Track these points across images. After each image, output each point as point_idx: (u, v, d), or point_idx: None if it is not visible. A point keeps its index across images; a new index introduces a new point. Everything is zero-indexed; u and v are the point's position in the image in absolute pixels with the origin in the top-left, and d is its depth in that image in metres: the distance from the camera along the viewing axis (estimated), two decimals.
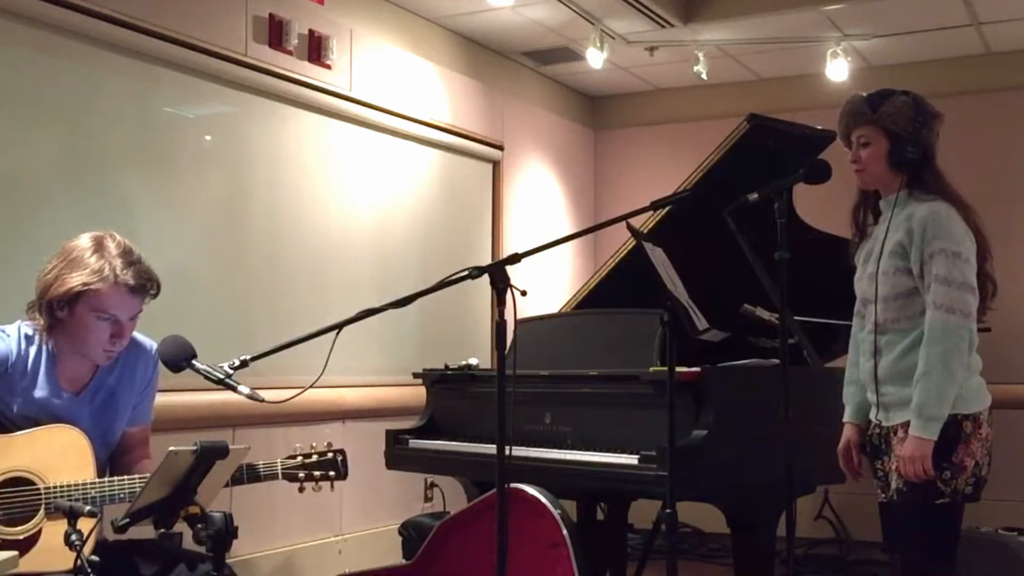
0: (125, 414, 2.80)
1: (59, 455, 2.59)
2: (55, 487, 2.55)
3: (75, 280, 2.60)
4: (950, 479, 2.77)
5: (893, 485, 2.85)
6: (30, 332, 2.70)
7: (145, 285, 2.68)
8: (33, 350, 2.68)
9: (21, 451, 2.57)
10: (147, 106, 4.17)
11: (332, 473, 2.87)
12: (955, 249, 2.79)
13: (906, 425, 2.82)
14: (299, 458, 2.86)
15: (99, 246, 2.65)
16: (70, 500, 2.50)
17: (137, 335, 2.82)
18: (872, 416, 2.98)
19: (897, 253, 2.86)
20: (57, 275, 2.62)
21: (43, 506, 2.53)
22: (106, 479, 2.63)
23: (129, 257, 2.66)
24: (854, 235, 3.06)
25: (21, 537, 2.52)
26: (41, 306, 2.65)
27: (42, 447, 2.58)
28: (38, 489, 2.55)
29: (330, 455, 2.88)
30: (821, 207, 3.78)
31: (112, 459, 2.81)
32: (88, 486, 2.58)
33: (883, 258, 2.90)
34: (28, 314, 2.70)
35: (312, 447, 2.89)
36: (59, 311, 2.63)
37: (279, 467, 2.82)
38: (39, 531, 2.53)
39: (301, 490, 2.85)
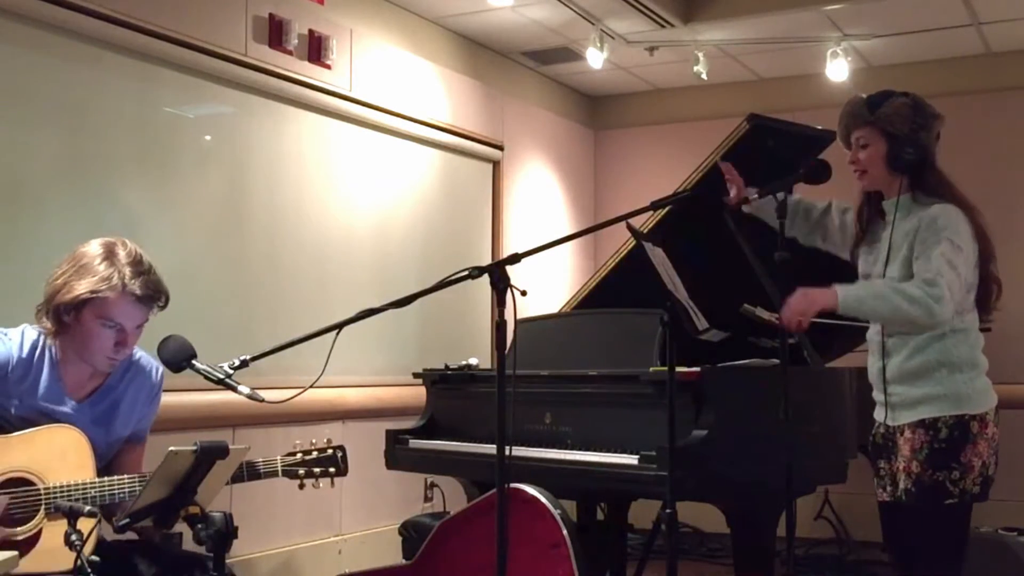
0: (126, 426, 2.79)
1: (58, 455, 2.58)
2: (54, 487, 2.55)
3: (83, 287, 2.59)
4: (958, 479, 2.76)
5: (901, 485, 2.84)
6: (34, 336, 2.69)
7: (153, 296, 2.68)
8: (36, 354, 2.68)
9: (20, 451, 2.56)
10: (147, 106, 4.17)
11: (332, 469, 2.87)
12: (959, 243, 2.79)
13: (912, 425, 2.83)
14: (299, 455, 2.85)
15: (109, 253, 2.65)
16: (70, 500, 2.50)
17: (145, 355, 2.82)
18: (878, 416, 2.98)
19: (906, 260, 2.85)
20: (66, 281, 2.62)
21: (43, 507, 2.53)
22: (105, 479, 2.62)
23: (139, 267, 2.66)
24: (857, 235, 3.06)
25: (21, 538, 2.51)
26: (48, 310, 2.65)
27: (41, 447, 2.58)
28: (38, 490, 2.55)
29: (330, 451, 2.88)
30: None
31: (104, 470, 2.80)
32: (87, 486, 2.57)
33: (889, 264, 2.89)
34: (36, 317, 2.70)
35: (312, 443, 2.89)
36: (65, 316, 2.63)
37: (279, 464, 2.82)
38: (39, 531, 2.53)
39: (301, 487, 2.85)
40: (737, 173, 3.21)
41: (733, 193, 3.20)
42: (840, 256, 3.14)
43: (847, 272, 3.08)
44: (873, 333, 2.99)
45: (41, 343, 2.69)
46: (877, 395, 2.97)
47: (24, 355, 2.66)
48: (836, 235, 3.14)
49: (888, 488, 2.94)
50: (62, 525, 2.32)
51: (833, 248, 3.15)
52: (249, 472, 2.76)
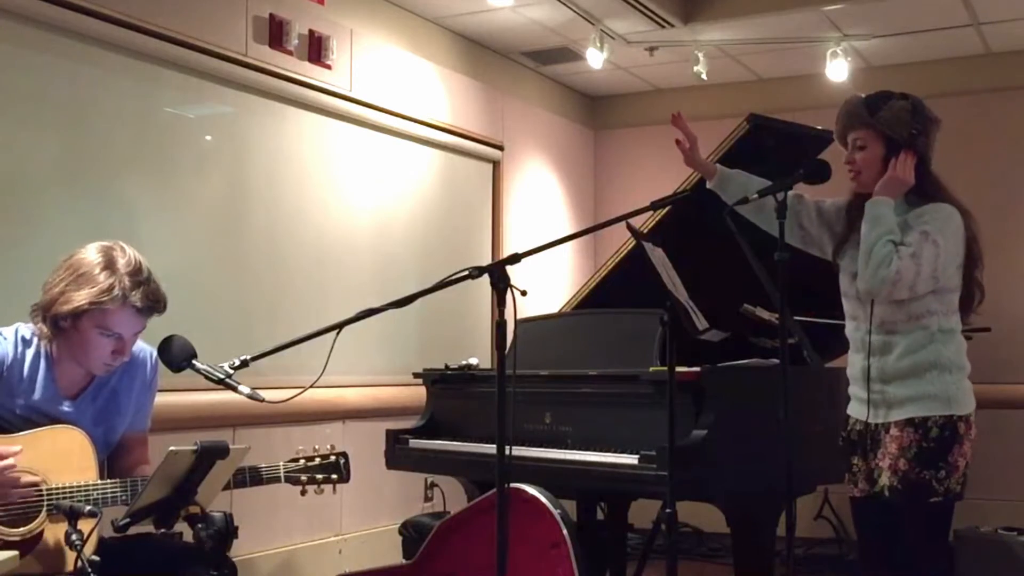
0: (127, 415, 2.79)
1: (61, 456, 2.58)
2: (57, 488, 2.55)
3: (82, 298, 2.57)
4: (944, 478, 2.80)
5: (885, 482, 2.86)
6: (27, 335, 2.69)
7: (152, 306, 2.67)
8: (30, 353, 2.67)
9: (23, 452, 2.56)
10: (147, 106, 4.17)
11: (334, 476, 2.87)
12: (936, 238, 2.80)
13: (901, 423, 2.84)
14: (301, 461, 2.85)
15: (109, 262, 2.62)
16: (71, 501, 2.50)
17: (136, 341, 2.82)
18: (855, 413, 2.99)
19: None
20: (64, 289, 2.60)
21: (45, 507, 2.53)
22: (108, 480, 2.62)
23: (138, 276, 2.64)
24: (843, 236, 3.05)
25: (22, 538, 2.51)
26: (45, 317, 2.64)
27: (44, 448, 2.58)
28: (40, 490, 2.55)
29: (332, 458, 2.88)
30: None
31: (110, 465, 2.80)
32: (90, 487, 2.57)
33: None
34: (31, 318, 2.69)
35: (315, 449, 2.88)
36: (63, 323, 2.62)
37: (281, 470, 2.81)
38: (41, 532, 2.53)
39: (303, 493, 2.85)
40: (688, 127, 3.24)
41: (688, 147, 3.24)
42: (810, 248, 3.13)
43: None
44: (852, 330, 3.00)
45: (35, 342, 2.68)
46: (858, 392, 2.98)
47: (19, 354, 2.65)
48: (813, 223, 3.09)
49: (861, 484, 2.96)
50: (64, 526, 2.32)
51: (809, 239, 3.11)
52: (252, 477, 2.76)
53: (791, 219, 3.08)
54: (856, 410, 2.99)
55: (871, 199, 2.88)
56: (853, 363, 3.01)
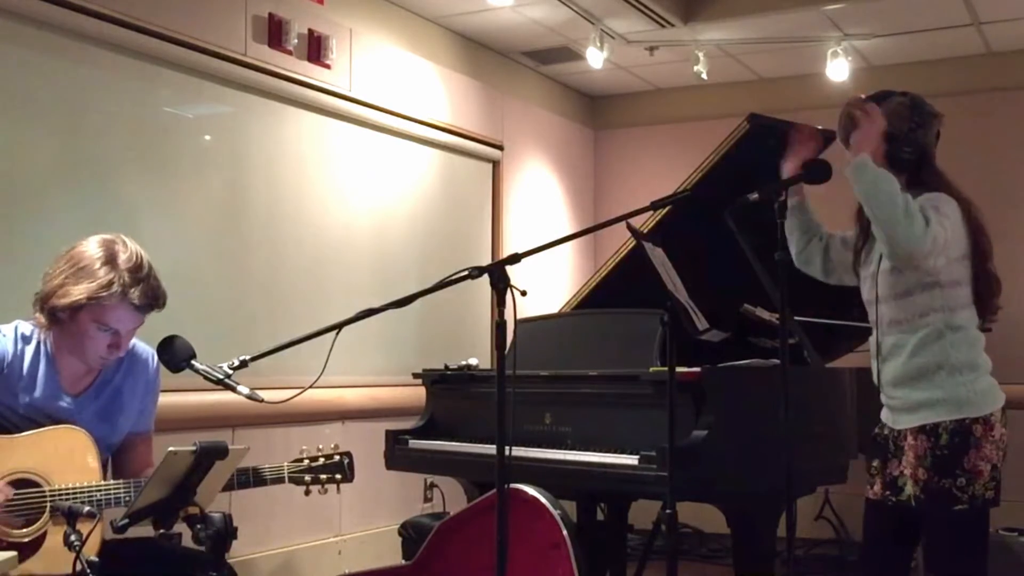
0: (130, 416, 2.79)
1: (64, 457, 2.58)
2: (60, 489, 2.55)
3: (81, 291, 2.57)
4: (966, 485, 2.73)
5: (909, 491, 2.81)
6: (27, 332, 2.68)
7: (151, 303, 2.66)
8: (30, 350, 2.66)
9: (26, 452, 2.55)
10: (147, 106, 4.17)
11: (338, 476, 2.86)
12: (945, 223, 2.75)
13: (915, 431, 2.81)
14: (305, 461, 2.84)
15: (110, 256, 2.62)
16: (73, 502, 2.50)
17: (137, 342, 2.81)
18: (883, 417, 2.96)
19: None
20: (63, 282, 2.60)
21: (48, 508, 2.53)
22: (111, 482, 2.61)
23: (138, 273, 2.63)
24: (858, 238, 3.04)
25: (26, 540, 2.51)
26: (43, 306, 2.64)
27: (47, 449, 2.57)
28: (43, 491, 2.54)
29: (336, 458, 2.87)
30: (821, 207, 3.77)
31: (115, 466, 2.80)
32: (93, 488, 2.57)
33: (884, 259, 2.88)
34: (33, 308, 2.69)
35: (319, 449, 2.87)
36: (61, 314, 2.62)
37: (286, 471, 2.80)
38: (44, 533, 2.52)
39: (307, 493, 2.84)
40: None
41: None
42: (830, 277, 3.13)
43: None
44: (873, 336, 2.98)
45: (35, 338, 2.68)
46: (882, 398, 2.95)
47: (19, 351, 2.65)
48: (839, 251, 3.09)
49: (876, 487, 2.93)
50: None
51: (830, 268, 3.12)
52: (256, 479, 2.75)
53: (819, 254, 3.10)
54: (884, 415, 2.96)
55: (856, 160, 2.79)
56: (873, 369, 2.98)
